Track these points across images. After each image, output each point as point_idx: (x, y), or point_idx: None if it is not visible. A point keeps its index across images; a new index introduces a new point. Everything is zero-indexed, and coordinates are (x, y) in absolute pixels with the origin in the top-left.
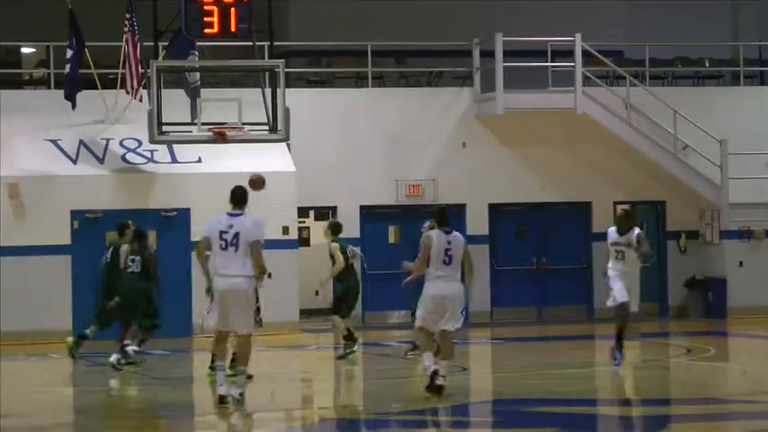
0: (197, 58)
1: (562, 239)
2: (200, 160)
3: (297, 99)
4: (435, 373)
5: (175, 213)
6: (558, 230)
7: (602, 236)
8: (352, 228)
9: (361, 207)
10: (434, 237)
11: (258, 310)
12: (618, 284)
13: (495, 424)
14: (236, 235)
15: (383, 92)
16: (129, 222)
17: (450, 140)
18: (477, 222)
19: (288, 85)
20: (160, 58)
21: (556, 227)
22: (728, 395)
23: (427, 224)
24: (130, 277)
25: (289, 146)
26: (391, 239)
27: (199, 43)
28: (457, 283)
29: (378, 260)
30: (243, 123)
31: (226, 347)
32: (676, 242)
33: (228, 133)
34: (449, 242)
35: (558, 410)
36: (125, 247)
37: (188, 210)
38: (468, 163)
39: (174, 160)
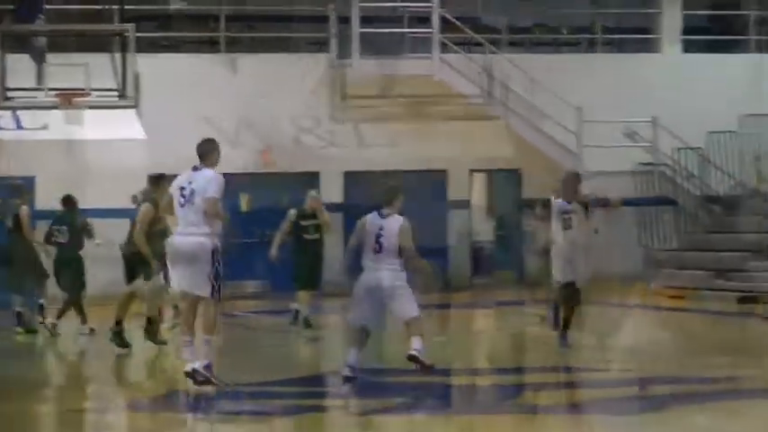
0: (44, 23)
1: (418, 208)
2: (46, 127)
3: (148, 64)
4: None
5: (21, 182)
6: (413, 199)
7: (457, 204)
8: None
9: None
10: (368, 220)
11: (216, 278)
12: (559, 262)
13: (347, 394)
14: (193, 192)
15: (237, 57)
16: (22, 185)
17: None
18: (332, 191)
19: (139, 51)
20: (5, 23)
21: (411, 195)
22: (582, 363)
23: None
24: (60, 248)
25: (139, 112)
26: (243, 208)
27: (46, 6)
28: (390, 272)
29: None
30: (91, 89)
31: (192, 319)
32: (532, 210)
33: (75, 99)
34: (381, 228)
35: (411, 380)
36: (24, 209)
37: (33, 178)
38: (324, 130)
39: (19, 127)
